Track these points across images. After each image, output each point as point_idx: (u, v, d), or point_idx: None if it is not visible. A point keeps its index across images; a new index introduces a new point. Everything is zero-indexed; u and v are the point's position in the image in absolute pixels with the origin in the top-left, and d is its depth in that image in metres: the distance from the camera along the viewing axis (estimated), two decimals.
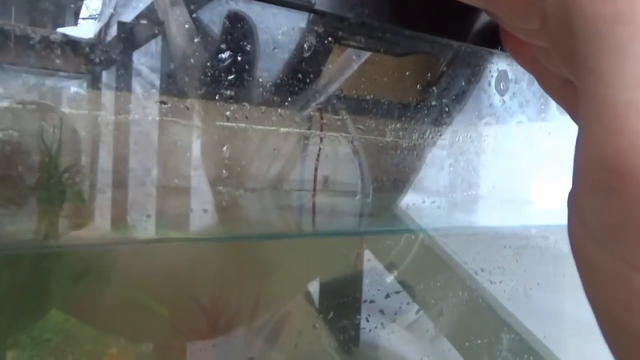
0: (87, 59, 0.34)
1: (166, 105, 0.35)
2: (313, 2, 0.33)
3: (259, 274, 0.55)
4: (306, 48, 0.39)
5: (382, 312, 0.50)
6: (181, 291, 0.52)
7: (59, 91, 0.35)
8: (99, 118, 0.36)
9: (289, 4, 0.32)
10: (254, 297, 0.57)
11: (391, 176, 0.47)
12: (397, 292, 0.50)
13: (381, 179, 0.49)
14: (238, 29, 0.35)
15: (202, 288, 0.53)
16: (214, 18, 0.35)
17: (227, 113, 0.39)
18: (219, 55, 0.36)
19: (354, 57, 0.48)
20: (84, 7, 0.37)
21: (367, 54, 0.48)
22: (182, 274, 0.50)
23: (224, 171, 0.40)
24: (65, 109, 0.35)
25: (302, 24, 0.38)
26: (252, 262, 0.54)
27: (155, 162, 0.38)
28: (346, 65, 0.48)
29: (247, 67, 0.38)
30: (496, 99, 0.45)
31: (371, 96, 0.45)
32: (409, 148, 0.47)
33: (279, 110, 0.43)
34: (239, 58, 0.37)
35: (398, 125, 0.44)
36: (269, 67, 0.39)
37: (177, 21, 0.35)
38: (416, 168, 0.49)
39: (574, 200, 0.19)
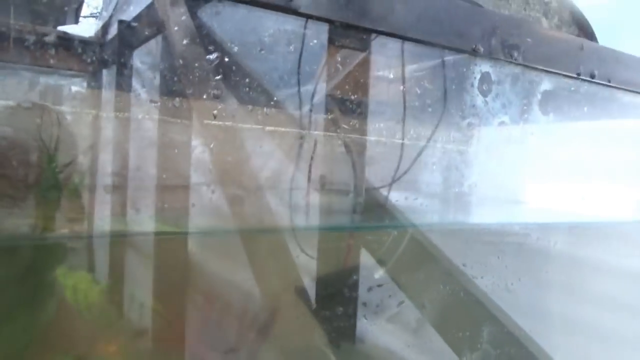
0: (84, 57, 0.35)
1: (157, 104, 0.37)
2: (298, 5, 0.34)
3: (251, 268, 0.56)
4: (300, 50, 0.41)
5: (364, 304, 0.51)
6: (174, 285, 0.53)
7: (51, 87, 0.35)
8: (95, 116, 0.38)
9: (273, 7, 0.34)
10: (246, 291, 0.58)
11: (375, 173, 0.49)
12: (379, 286, 0.52)
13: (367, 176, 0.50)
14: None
15: (196, 282, 0.54)
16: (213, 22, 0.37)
17: (215, 112, 0.40)
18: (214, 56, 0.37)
19: (348, 58, 0.50)
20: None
21: (361, 55, 0.49)
22: (176, 267, 0.51)
23: (219, 169, 0.41)
24: (58, 106, 0.36)
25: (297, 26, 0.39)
26: (244, 257, 0.55)
27: (153, 160, 0.39)
28: (339, 66, 0.49)
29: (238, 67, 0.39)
30: (479, 99, 0.46)
31: (356, 96, 0.46)
32: (396, 147, 0.48)
33: (274, 110, 0.44)
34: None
35: (382, 125, 0.46)
36: (264, 68, 0.41)
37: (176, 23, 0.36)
38: (401, 166, 0.50)
39: None
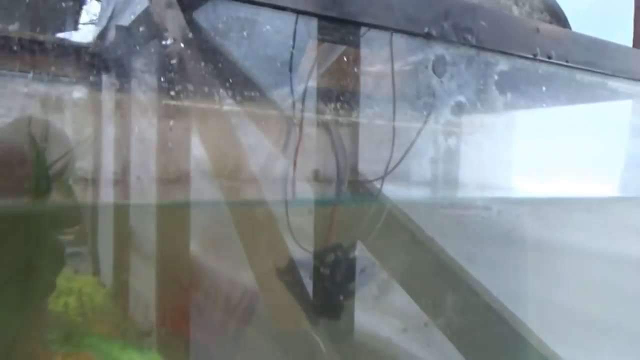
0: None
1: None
2: None
3: (235, 248, 0.58)
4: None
5: (347, 284, 0.54)
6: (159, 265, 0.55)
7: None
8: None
9: None
10: (230, 274, 0.61)
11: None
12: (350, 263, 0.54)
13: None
14: None
15: (179, 261, 0.56)
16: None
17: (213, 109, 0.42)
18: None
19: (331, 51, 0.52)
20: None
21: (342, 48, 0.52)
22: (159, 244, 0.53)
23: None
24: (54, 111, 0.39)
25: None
26: (228, 236, 0.57)
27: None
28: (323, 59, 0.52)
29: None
30: (434, 80, 0.49)
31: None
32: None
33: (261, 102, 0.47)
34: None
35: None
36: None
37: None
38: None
39: None
